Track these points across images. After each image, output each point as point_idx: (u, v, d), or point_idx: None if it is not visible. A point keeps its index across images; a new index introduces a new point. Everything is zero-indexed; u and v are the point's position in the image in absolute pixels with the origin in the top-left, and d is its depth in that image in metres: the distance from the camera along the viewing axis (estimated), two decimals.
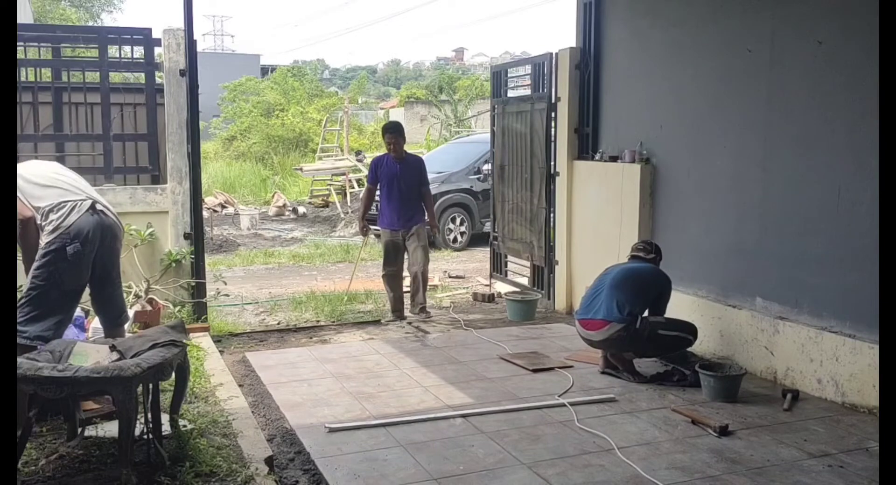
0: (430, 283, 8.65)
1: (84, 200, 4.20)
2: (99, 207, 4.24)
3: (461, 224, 12.29)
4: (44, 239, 4.05)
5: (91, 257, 4.14)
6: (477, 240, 12.22)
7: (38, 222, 4.11)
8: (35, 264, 4.02)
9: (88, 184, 4.51)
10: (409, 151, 7.47)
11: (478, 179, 12.47)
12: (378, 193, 7.38)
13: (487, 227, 10.97)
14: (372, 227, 7.93)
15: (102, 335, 4.50)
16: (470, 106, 28.02)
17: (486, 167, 11.81)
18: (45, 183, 4.21)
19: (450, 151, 14.12)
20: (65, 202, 4.14)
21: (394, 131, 7.25)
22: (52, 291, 4.00)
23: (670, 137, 6.30)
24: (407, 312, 7.28)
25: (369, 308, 7.57)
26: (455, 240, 12.20)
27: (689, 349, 5.50)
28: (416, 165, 7.33)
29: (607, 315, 5.19)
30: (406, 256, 7.32)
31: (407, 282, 7.44)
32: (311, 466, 3.97)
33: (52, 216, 4.07)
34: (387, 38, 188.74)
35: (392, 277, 7.27)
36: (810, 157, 5.05)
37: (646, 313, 5.28)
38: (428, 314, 7.27)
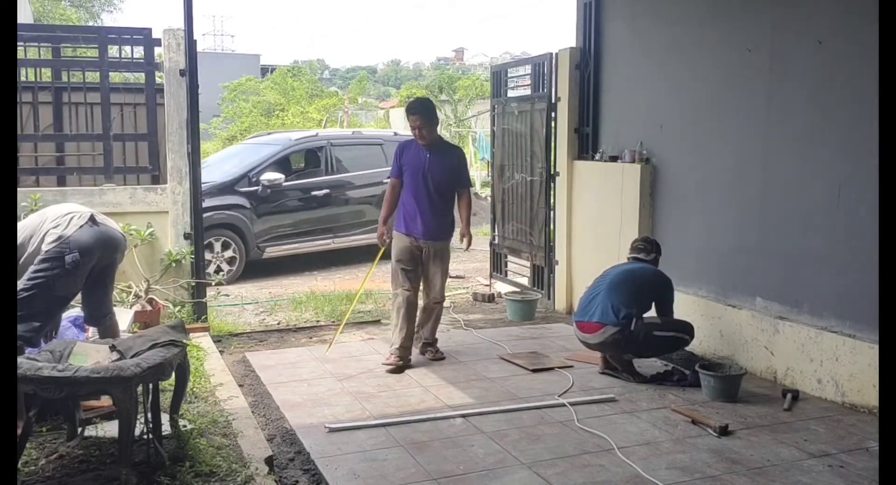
0: None
1: (83, 213, 4.25)
2: (99, 218, 4.28)
3: (227, 249, 9.17)
4: (43, 247, 4.08)
5: (88, 268, 4.18)
6: (255, 269, 9.48)
7: (38, 246, 4.15)
8: (31, 268, 4.04)
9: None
10: (446, 140, 6.08)
11: (256, 191, 9.47)
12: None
13: (269, 252, 9.56)
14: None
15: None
16: (470, 106, 28.00)
17: (269, 177, 9.54)
18: (38, 215, 4.33)
19: (236, 155, 10.80)
20: (65, 214, 4.21)
21: (417, 112, 5.59)
22: (42, 295, 4.01)
23: (670, 136, 6.30)
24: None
25: (369, 308, 7.56)
26: (219, 270, 8.96)
27: (689, 350, 5.50)
28: (453, 156, 5.79)
29: (602, 318, 5.18)
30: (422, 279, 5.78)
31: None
32: (311, 466, 3.97)
33: (53, 229, 4.11)
34: (387, 38, 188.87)
35: (408, 303, 5.61)
36: (810, 156, 5.05)
37: (647, 314, 5.28)
38: (436, 353, 5.84)
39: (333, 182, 10.29)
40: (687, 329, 5.31)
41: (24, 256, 4.13)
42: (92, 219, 4.23)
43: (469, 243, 5.90)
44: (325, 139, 10.67)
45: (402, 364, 5.49)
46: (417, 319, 5.78)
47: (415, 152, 5.69)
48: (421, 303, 5.84)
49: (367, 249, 10.31)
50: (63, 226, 4.13)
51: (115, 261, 4.42)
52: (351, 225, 10.39)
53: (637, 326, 5.12)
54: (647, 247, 5.53)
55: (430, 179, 5.62)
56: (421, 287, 5.80)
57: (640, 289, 5.28)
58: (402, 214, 5.72)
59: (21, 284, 3.97)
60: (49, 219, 4.20)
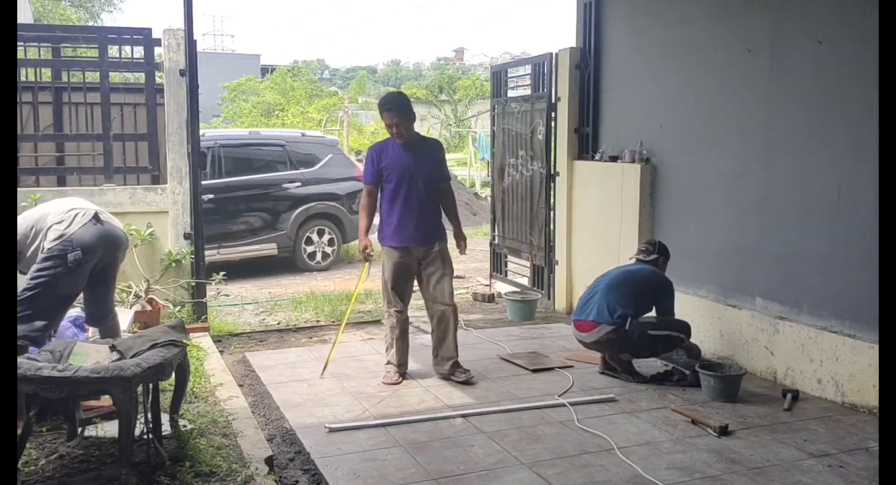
0: None
1: (87, 210, 4.25)
2: (103, 216, 4.28)
3: None
4: (46, 245, 4.08)
5: (90, 266, 4.18)
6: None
7: (40, 241, 4.15)
8: (34, 267, 4.05)
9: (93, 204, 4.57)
10: (421, 134, 5.53)
11: None
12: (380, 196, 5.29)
13: None
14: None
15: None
16: (470, 106, 28.07)
17: None
18: (38, 209, 4.33)
19: None
20: (68, 210, 4.21)
21: (393, 108, 5.12)
22: (46, 294, 4.02)
23: (670, 137, 6.30)
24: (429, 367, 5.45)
25: (369, 308, 7.56)
26: None
27: (689, 350, 5.50)
28: (435, 151, 5.38)
29: (598, 317, 5.20)
30: (423, 289, 5.37)
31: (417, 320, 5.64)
32: (311, 466, 3.97)
33: (56, 225, 4.11)
34: (387, 38, 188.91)
35: (401, 323, 5.28)
36: (810, 156, 5.05)
37: (648, 315, 5.27)
38: (466, 374, 5.24)
39: (217, 187, 9.26)
40: (682, 328, 5.31)
41: (29, 251, 4.11)
42: (95, 217, 4.22)
43: (465, 246, 5.46)
44: (212, 140, 9.68)
45: (402, 381, 5.25)
46: (434, 335, 5.36)
47: (396, 154, 5.17)
48: (432, 311, 5.35)
49: (258, 261, 9.72)
50: (66, 223, 4.12)
51: (116, 259, 4.42)
52: (240, 233, 9.57)
53: (632, 325, 5.12)
54: (650, 249, 5.53)
55: (420, 180, 5.16)
56: (427, 298, 5.36)
57: (638, 289, 5.28)
58: (388, 225, 5.21)
59: (24, 283, 3.97)
60: (52, 213, 4.19)
